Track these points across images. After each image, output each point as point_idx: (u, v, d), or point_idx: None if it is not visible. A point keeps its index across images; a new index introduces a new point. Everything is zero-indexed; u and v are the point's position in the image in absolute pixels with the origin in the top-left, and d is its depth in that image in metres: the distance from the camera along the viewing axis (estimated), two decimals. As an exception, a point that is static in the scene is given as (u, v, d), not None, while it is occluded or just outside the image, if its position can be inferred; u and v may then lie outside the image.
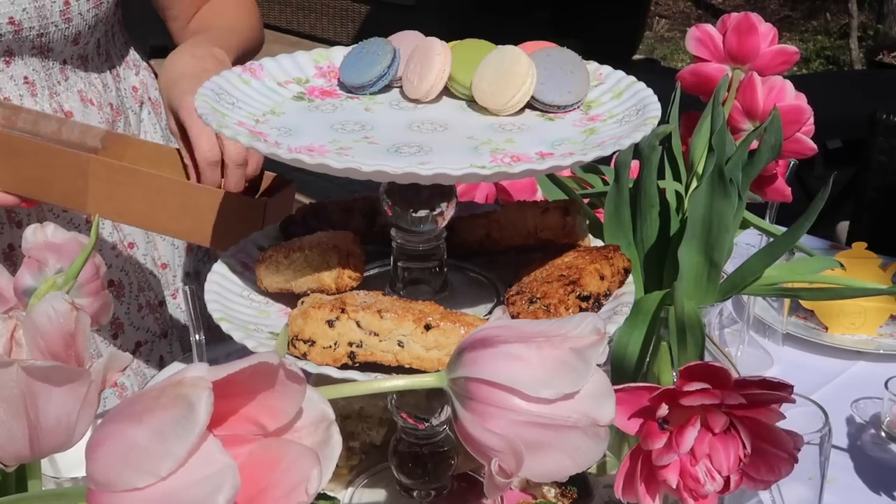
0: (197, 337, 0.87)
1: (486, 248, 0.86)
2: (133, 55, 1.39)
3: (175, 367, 1.13)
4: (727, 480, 0.71)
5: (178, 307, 1.42)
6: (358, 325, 0.70)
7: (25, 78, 1.21)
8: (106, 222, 1.30)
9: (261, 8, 1.39)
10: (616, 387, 0.68)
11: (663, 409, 0.69)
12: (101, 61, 1.32)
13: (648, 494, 0.70)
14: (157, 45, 1.43)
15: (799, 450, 0.71)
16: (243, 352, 0.69)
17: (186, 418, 0.40)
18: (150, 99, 1.39)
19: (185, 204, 1.00)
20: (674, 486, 0.70)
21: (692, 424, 0.69)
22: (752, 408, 0.69)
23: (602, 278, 0.78)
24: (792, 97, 0.94)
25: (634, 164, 0.91)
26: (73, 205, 1.06)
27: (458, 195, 0.80)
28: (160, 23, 1.39)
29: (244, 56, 1.25)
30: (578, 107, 0.80)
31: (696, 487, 0.70)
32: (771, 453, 0.71)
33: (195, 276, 1.42)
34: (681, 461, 0.70)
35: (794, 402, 0.69)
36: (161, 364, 1.39)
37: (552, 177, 1.00)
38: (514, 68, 0.77)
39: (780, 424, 0.71)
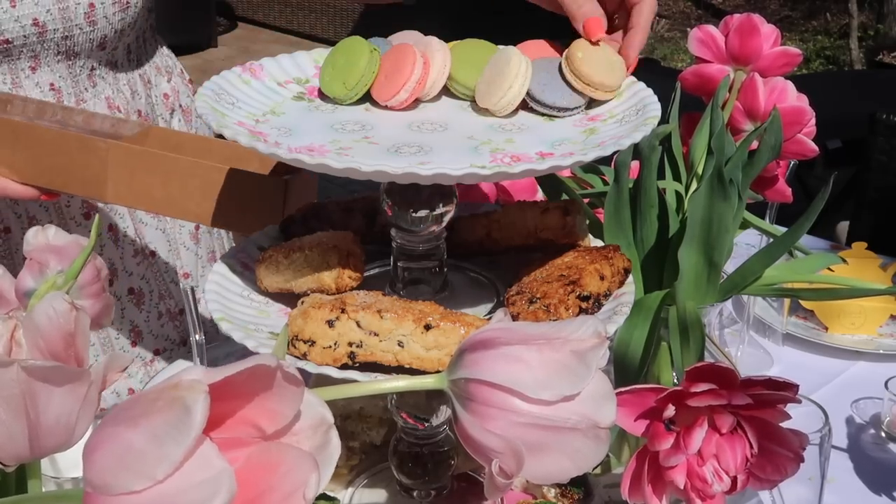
0: (197, 337, 0.87)
1: (486, 248, 0.86)
2: (166, 61, 1.38)
3: (180, 365, 1.13)
4: (734, 480, 0.70)
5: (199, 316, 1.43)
6: (358, 325, 0.70)
7: (52, 85, 1.21)
8: (128, 230, 1.30)
9: (261, 8, 1.39)
10: (621, 388, 0.68)
11: (670, 410, 0.69)
12: (132, 67, 1.31)
13: (655, 495, 0.70)
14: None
15: (804, 449, 0.71)
16: (243, 352, 0.69)
17: (182, 421, 0.40)
18: (180, 106, 1.39)
19: (204, 186, 0.99)
20: (681, 487, 0.70)
21: (700, 425, 0.69)
22: (759, 408, 0.69)
23: (602, 278, 0.78)
24: (793, 98, 0.94)
25: (634, 164, 0.91)
26: (92, 193, 1.05)
27: (458, 195, 0.80)
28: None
29: None
30: (581, 110, 0.80)
31: (703, 488, 0.70)
32: (777, 453, 0.71)
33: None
34: (688, 462, 0.70)
35: (799, 402, 0.69)
36: None
37: (552, 177, 1.00)
38: (505, 69, 0.78)
39: (783, 425, 0.71)
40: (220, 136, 0.97)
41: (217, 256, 1.43)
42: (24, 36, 1.16)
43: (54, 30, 1.17)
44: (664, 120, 0.89)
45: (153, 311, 1.34)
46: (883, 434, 1.15)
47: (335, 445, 0.45)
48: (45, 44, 1.17)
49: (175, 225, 1.35)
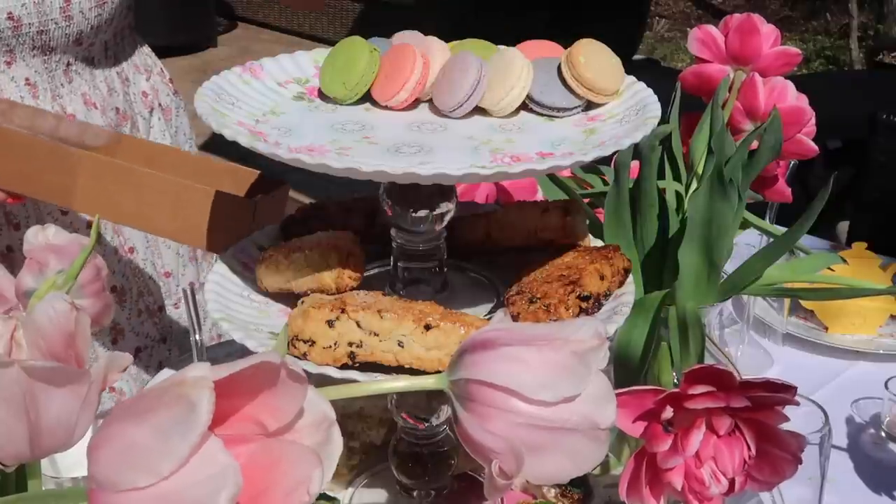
0: (197, 337, 0.87)
1: (486, 248, 0.86)
2: (145, 60, 1.38)
3: (166, 374, 1.12)
4: (732, 482, 0.70)
5: (180, 316, 1.42)
6: (358, 325, 0.70)
7: (27, 80, 1.21)
8: (107, 227, 1.29)
9: (261, 8, 1.39)
10: (620, 390, 0.68)
11: (668, 412, 0.69)
12: (110, 65, 1.31)
13: (653, 497, 0.70)
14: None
15: (802, 451, 0.71)
16: (243, 352, 0.69)
17: (188, 417, 0.40)
18: (160, 105, 1.39)
19: (175, 202, 0.99)
20: (679, 489, 0.70)
21: (697, 427, 0.69)
22: (757, 410, 0.69)
23: (602, 278, 0.78)
24: (793, 98, 0.94)
25: (634, 164, 0.91)
26: (60, 201, 1.05)
27: (458, 195, 0.80)
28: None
29: None
30: (580, 110, 0.80)
31: (701, 490, 0.70)
32: (775, 455, 0.70)
33: (200, 287, 1.41)
34: (686, 464, 0.70)
35: (797, 404, 0.69)
36: (160, 369, 1.38)
37: (552, 177, 1.00)
38: (508, 70, 0.78)
39: (781, 427, 0.71)
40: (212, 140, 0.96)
41: (198, 255, 1.43)
42: None
43: (29, 24, 1.17)
44: (664, 120, 0.89)
45: (133, 308, 1.34)
46: (883, 434, 1.15)
47: (337, 442, 0.46)
48: (20, 38, 1.17)
49: None
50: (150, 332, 1.36)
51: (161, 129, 1.38)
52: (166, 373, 0.43)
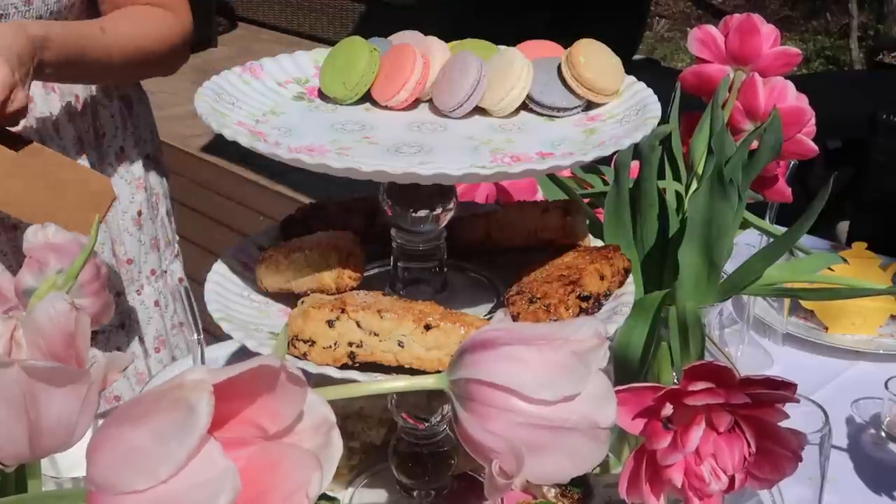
0: (196, 337, 0.87)
1: (486, 248, 0.86)
2: None
3: (179, 367, 1.12)
4: (732, 479, 0.70)
5: (142, 303, 1.41)
6: (358, 325, 0.70)
7: None
8: None
9: (261, 8, 1.38)
10: (620, 387, 0.68)
11: (668, 409, 0.69)
12: None
13: (653, 494, 0.70)
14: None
15: (803, 448, 0.71)
16: (244, 352, 0.69)
17: (187, 421, 0.40)
18: (120, 96, 1.38)
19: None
20: (679, 486, 0.70)
21: (697, 424, 0.69)
22: (757, 407, 0.69)
23: (602, 278, 0.78)
24: (793, 98, 0.94)
25: (634, 164, 0.91)
26: None
27: (459, 195, 0.80)
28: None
29: (126, 66, 1.24)
30: (580, 110, 0.80)
31: (701, 487, 0.70)
32: (775, 452, 0.71)
33: (161, 275, 1.42)
34: (686, 461, 0.70)
35: (797, 401, 0.69)
36: None
37: (552, 177, 1.00)
38: (508, 70, 0.78)
39: (782, 424, 0.71)
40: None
41: (160, 244, 1.42)
42: None
43: None
44: (664, 120, 0.90)
45: None
46: (883, 434, 1.15)
47: (337, 445, 0.45)
48: None
49: (117, 211, 1.34)
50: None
51: (123, 118, 1.38)
52: (184, 364, 0.44)
